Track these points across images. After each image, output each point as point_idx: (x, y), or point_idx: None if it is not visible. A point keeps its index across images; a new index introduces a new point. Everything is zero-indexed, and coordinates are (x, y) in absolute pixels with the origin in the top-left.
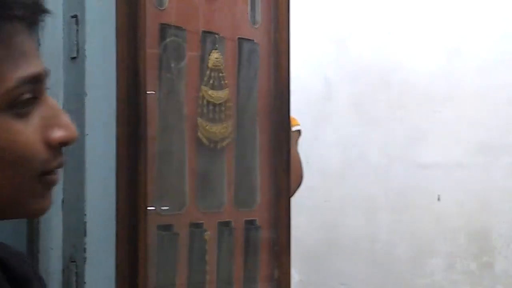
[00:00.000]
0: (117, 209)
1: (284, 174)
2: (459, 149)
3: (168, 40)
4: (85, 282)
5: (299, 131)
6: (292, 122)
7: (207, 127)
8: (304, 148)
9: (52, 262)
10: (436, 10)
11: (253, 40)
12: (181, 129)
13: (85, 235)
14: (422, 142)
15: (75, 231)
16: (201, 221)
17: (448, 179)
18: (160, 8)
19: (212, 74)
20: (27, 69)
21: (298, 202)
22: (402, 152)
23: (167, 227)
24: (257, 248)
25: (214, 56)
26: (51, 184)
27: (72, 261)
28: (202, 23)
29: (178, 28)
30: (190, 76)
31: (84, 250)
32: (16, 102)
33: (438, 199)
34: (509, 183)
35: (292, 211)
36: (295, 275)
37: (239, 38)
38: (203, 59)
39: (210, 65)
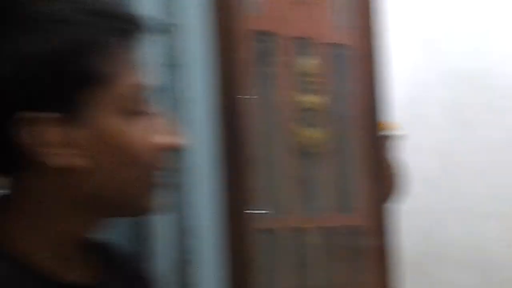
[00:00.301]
0: (223, 213)
1: (380, 179)
2: None
3: (262, 46)
4: (193, 284)
5: (397, 136)
6: (390, 127)
7: (303, 133)
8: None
9: (161, 264)
10: None
11: (347, 45)
12: (278, 135)
13: (193, 238)
14: None
15: (184, 234)
16: (303, 226)
17: None
18: (254, 15)
19: (307, 80)
20: (135, 78)
21: (398, 209)
22: (500, 156)
23: (270, 232)
24: (358, 253)
25: (308, 61)
26: (156, 186)
27: (181, 263)
28: (295, 28)
29: (271, 34)
30: (284, 82)
31: (193, 252)
32: (127, 107)
33: None
34: None
35: (392, 219)
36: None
37: (332, 43)
38: (296, 65)
39: (303, 70)
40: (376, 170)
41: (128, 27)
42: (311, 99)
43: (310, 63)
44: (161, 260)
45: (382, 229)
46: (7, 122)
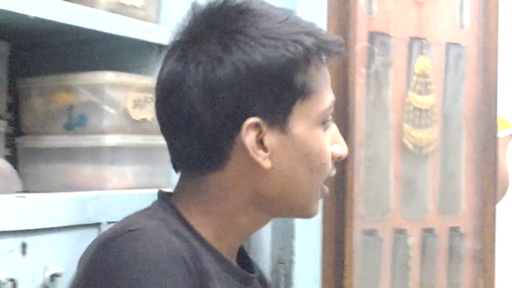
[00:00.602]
0: (324, 213)
1: (491, 181)
2: None
3: (376, 46)
4: (292, 284)
5: (511, 135)
6: (504, 125)
7: (412, 133)
8: None
9: (261, 263)
10: None
11: (461, 44)
12: (387, 135)
13: (293, 238)
14: None
15: (284, 234)
16: (405, 227)
17: None
18: (369, 16)
19: (419, 80)
20: (331, 94)
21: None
22: None
23: (371, 232)
24: (461, 255)
25: (422, 61)
26: (325, 193)
27: (281, 263)
28: (410, 29)
29: (386, 35)
30: (396, 82)
31: (292, 252)
32: (321, 120)
33: None
34: None
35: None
36: None
37: (446, 42)
38: (410, 64)
39: (417, 70)
40: (486, 171)
41: (332, 48)
42: (423, 99)
43: (425, 63)
44: (260, 261)
45: (486, 230)
46: (236, 125)
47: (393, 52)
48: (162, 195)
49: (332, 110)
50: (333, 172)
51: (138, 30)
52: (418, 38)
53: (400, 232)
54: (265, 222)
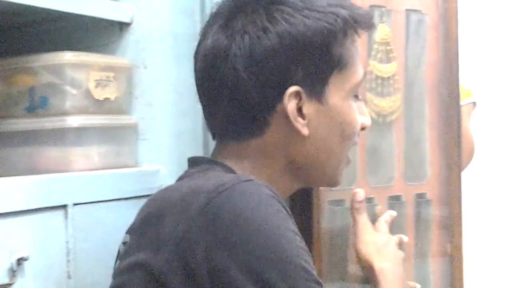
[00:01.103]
0: None
1: (455, 147)
2: None
3: None
4: None
5: (473, 103)
6: (466, 94)
7: (375, 101)
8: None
9: None
10: None
11: (421, 11)
12: None
13: None
14: None
15: None
16: (371, 196)
17: None
18: None
19: (380, 48)
20: (362, 68)
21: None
22: None
23: (339, 202)
24: (428, 222)
25: (382, 29)
26: (349, 162)
27: None
28: None
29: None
30: None
31: None
32: (353, 91)
33: None
34: None
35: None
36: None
37: (406, 9)
38: (370, 33)
39: (377, 39)
40: (451, 138)
41: (366, 21)
42: (385, 67)
43: (384, 30)
44: None
45: (452, 197)
46: (278, 93)
47: None
48: (208, 160)
49: (362, 82)
50: (358, 140)
51: (98, 8)
52: (377, 6)
53: (367, 201)
54: (293, 190)
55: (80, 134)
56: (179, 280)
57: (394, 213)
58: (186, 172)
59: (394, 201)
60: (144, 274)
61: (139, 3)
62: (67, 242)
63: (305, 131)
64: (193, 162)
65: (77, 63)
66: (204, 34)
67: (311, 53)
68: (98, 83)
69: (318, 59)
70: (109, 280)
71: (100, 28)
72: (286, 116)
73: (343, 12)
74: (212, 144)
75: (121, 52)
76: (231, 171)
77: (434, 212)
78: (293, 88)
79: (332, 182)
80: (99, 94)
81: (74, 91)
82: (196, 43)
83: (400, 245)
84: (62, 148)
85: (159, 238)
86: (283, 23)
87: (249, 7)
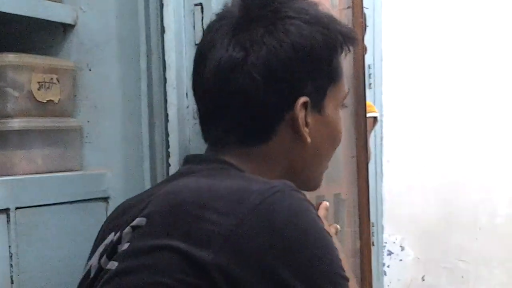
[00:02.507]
0: None
1: (363, 149)
2: None
3: None
4: None
5: (375, 118)
6: (369, 109)
7: None
8: (418, 127)
9: None
10: None
11: None
12: None
13: None
14: None
15: None
16: None
17: None
18: None
19: None
20: (347, 84)
21: (414, 179)
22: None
23: None
24: (343, 220)
25: None
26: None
27: None
28: None
29: None
30: None
31: None
32: (341, 102)
33: None
34: None
35: (407, 188)
36: (411, 253)
37: None
38: None
39: None
40: (361, 140)
41: (355, 38)
42: None
43: None
44: None
45: (361, 198)
46: (290, 102)
47: None
48: (216, 159)
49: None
50: None
51: (41, 9)
52: None
53: None
54: None
55: (23, 137)
56: (222, 275)
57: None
58: (188, 167)
59: (321, 200)
60: (177, 256)
61: (83, 5)
62: (10, 246)
63: (309, 139)
64: (197, 159)
65: (19, 65)
66: (212, 41)
67: (319, 66)
68: (41, 85)
69: (323, 71)
70: (54, 284)
71: (43, 30)
72: (292, 125)
73: (340, 28)
74: (160, 146)
75: (65, 54)
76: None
77: (348, 210)
78: (303, 99)
79: (316, 186)
80: (42, 96)
81: (16, 93)
82: (140, 45)
83: (336, 233)
84: (4, 151)
85: (199, 231)
86: (297, 36)
87: (263, 19)
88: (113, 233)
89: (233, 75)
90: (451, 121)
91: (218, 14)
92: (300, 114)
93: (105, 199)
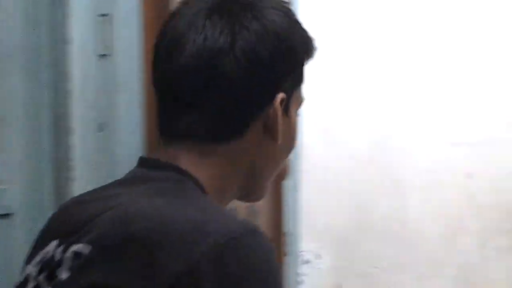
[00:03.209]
0: None
1: None
2: (488, 125)
3: None
4: None
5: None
6: None
7: None
8: (332, 133)
9: None
10: None
11: None
12: None
13: None
14: (451, 120)
15: None
16: None
17: (479, 156)
18: None
19: None
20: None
21: (327, 186)
22: (430, 131)
23: None
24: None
25: None
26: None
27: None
28: None
29: None
30: None
31: None
32: (300, 106)
33: (469, 176)
34: None
35: (322, 195)
36: (328, 260)
37: None
38: None
39: None
40: None
41: (315, 49)
42: None
43: None
44: None
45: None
46: (269, 98)
47: None
48: (172, 166)
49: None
50: None
51: None
52: None
53: None
54: (226, 204)
55: None
56: None
57: None
58: (142, 172)
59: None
60: None
61: None
62: None
63: (280, 139)
64: (152, 164)
65: None
66: (188, 25)
67: (296, 63)
68: None
69: (297, 70)
70: None
71: None
72: (266, 121)
73: (311, 36)
74: (63, 159)
75: None
76: (203, 189)
77: (261, 221)
78: (282, 95)
79: (262, 196)
80: None
81: None
82: (44, 56)
83: None
84: None
85: (145, 273)
86: (282, 27)
87: (246, 4)
88: (55, 242)
89: (218, 59)
90: (363, 125)
91: (181, 3)
92: (279, 110)
93: (5, 215)
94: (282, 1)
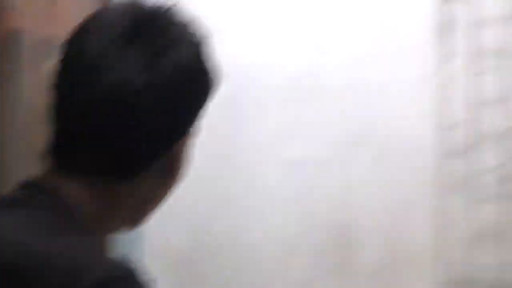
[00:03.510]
0: None
1: None
2: (323, 146)
3: (12, 45)
4: None
5: None
6: None
7: None
8: None
9: None
10: (300, 8)
11: None
12: (27, 137)
13: None
14: (290, 140)
15: None
16: None
17: (316, 175)
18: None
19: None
20: None
21: (163, 206)
22: (271, 150)
23: None
24: None
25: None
26: None
27: None
28: (45, 27)
29: (21, 32)
30: (30, 82)
31: None
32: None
33: (304, 195)
34: (370, 176)
35: (157, 216)
36: (166, 283)
37: None
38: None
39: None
40: None
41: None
42: None
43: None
44: None
45: None
46: (175, 138)
47: (27, 52)
48: (52, 198)
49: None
50: None
51: None
52: (51, 38)
53: None
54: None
55: None
56: None
57: None
58: (21, 193)
59: None
60: None
61: None
62: None
63: (178, 177)
64: (31, 188)
65: None
66: (103, 50)
67: (205, 103)
68: None
69: (201, 108)
70: None
71: None
72: (167, 160)
73: (219, 68)
74: None
75: None
76: (88, 221)
77: None
78: (188, 133)
79: (142, 225)
80: None
81: None
82: None
83: None
84: None
85: None
86: (199, 65)
87: (160, 34)
88: None
89: (133, 94)
90: (200, 142)
91: (90, 20)
92: (183, 149)
93: None
94: (198, 32)
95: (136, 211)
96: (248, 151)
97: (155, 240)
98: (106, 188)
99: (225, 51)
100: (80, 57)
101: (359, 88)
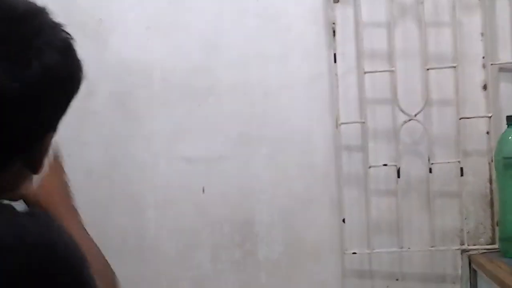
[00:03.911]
0: None
1: None
2: (220, 142)
3: None
4: None
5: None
6: None
7: None
8: (65, 148)
9: None
10: (193, 4)
11: None
12: None
13: None
14: (185, 137)
15: None
16: None
17: (212, 172)
18: None
19: None
20: None
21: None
22: (166, 148)
23: None
24: None
25: None
26: None
27: None
28: None
29: None
30: None
31: None
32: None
33: (203, 192)
34: (268, 172)
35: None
36: None
37: None
38: None
39: None
40: None
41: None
42: None
43: None
44: None
45: None
46: (40, 136)
47: None
48: None
49: None
50: None
51: None
52: None
53: None
54: None
55: None
56: None
57: None
58: None
59: None
60: None
61: None
62: None
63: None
64: None
65: None
66: None
67: (69, 103)
68: None
69: (65, 109)
70: None
71: None
72: (30, 157)
73: (83, 70)
74: None
75: None
76: None
77: None
78: (52, 132)
79: None
80: None
81: None
82: None
83: None
84: None
85: None
86: (66, 69)
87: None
88: None
89: (3, 98)
90: (98, 139)
91: None
92: (47, 148)
93: None
94: (65, 34)
95: None
96: (142, 149)
97: None
98: None
99: (118, 49)
100: None
101: (254, 85)
